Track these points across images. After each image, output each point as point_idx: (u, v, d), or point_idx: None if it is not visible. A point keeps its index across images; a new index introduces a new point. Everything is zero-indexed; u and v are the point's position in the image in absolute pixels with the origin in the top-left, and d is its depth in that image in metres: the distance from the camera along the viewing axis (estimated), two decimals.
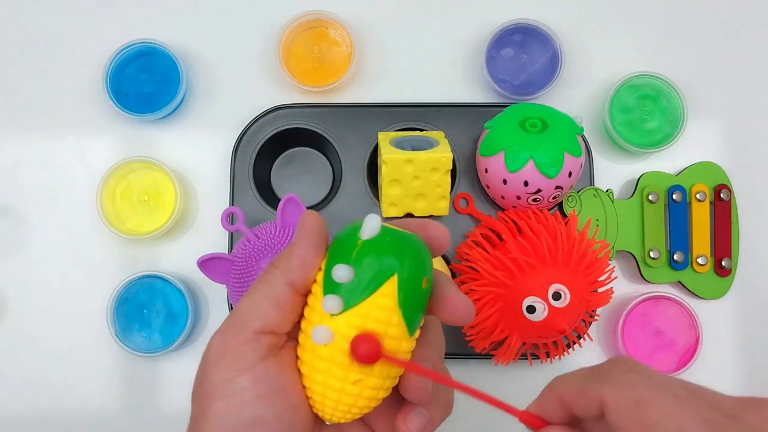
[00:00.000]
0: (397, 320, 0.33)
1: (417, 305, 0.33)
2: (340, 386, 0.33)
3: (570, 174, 0.62)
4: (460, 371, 0.69)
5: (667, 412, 0.28)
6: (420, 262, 0.33)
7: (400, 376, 0.35)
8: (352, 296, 0.32)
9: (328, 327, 0.32)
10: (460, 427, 0.69)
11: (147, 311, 0.68)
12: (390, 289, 0.32)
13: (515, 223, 0.64)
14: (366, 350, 0.32)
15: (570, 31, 0.72)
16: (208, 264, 0.62)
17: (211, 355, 0.33)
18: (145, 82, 0.72)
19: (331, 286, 0.33)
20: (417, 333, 0.34)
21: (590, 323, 0.65)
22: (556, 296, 0.57)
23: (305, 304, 0.35)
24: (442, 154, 0.62)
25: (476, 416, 0.69)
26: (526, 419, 0.33)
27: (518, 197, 0.63)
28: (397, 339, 0.33)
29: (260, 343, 0.33)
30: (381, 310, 0.32)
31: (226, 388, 0.32)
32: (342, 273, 0.32)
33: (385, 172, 0.62)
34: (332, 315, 0.32)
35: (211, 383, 0.33)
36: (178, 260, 0.71)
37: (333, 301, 0.32)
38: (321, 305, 0.32)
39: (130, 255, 0.71)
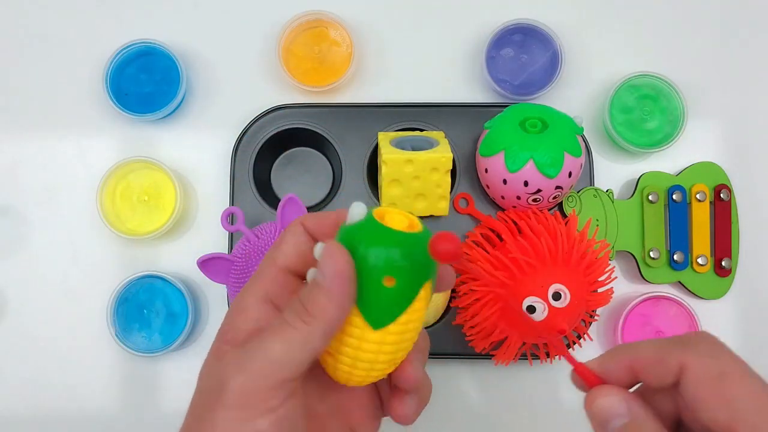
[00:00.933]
0: (420, 316, 0.35)
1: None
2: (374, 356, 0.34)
3: (570, 174, 0.62)
4: (460, 371, 0.69)
5: (751, 391, 0.28)
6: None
7: (396, 369, 0.36)
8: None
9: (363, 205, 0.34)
10: (465, 427, 0.69)
11: (147, 311, 0.68)
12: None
13: (515, 223, 0.64)
14: (447, 250, 0.31)
15: (570, 31, 0.72)
16: (208, 264, 0.62)
17: (232, 393, 0.32)
18: (145, 82, 0.72)
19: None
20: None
21: (590, 323, 0.65)
22: (556, 296, 0.57)
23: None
24: (442, 154, 0.62)
25: (482, 417, 0.69)
26: (582, 371, 0.32)
27: (518, 197, 0.63)
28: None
29: (286, 389, 0.32)
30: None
31: (243, 428, 0.31)
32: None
33: (385, 172, 0.62)
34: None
35: (225, 422, 0.31)
36: (178, 260, 0.71)
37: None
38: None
39: (130, 255, 0.71)
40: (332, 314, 0.32)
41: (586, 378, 0.32)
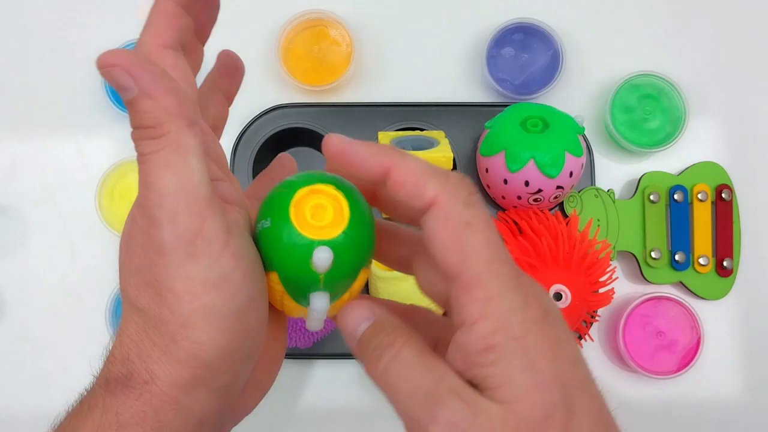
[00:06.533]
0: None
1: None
2: None
3: (571, 174, 0.62)
4: None
5: (486, 242, 0.27)
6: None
7: None
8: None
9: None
10: None
11: None
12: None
13: (516, 224, 0.64)
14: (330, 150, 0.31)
15: (571, 30, 0.72)
16: None
17: (171, 245, 0.28)
18: None
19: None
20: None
21: (591, 324, 0.65)
22: (557, 297, 0.57)
23: None
24: (442, 154, 0.61)
25: None
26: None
27: (519, 197, 0.63)
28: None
29: (220, 213, 0.28)
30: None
31: (207, 276, 0.27)
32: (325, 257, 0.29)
33: None
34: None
35: (187, 279, 0.27)
36: None
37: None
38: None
39: None
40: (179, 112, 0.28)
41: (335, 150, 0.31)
